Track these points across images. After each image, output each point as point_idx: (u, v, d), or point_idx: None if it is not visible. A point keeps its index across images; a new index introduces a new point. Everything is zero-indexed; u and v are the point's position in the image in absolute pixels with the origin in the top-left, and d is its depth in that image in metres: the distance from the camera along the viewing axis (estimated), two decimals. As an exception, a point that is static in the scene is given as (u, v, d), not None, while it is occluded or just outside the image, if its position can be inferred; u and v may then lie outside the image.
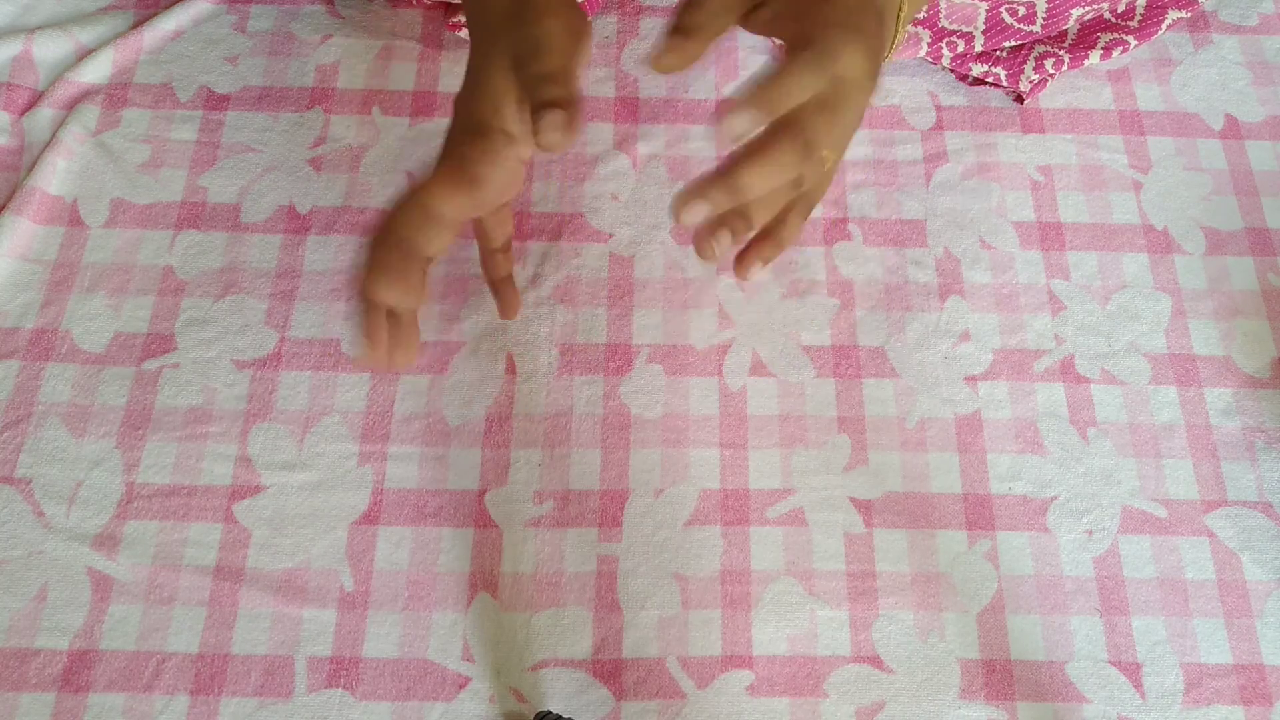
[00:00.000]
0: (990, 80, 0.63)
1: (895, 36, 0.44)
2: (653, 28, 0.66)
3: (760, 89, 0.38)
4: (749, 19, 0.43)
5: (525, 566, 0.51)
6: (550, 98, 0.40)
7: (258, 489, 0.53)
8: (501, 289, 0.55)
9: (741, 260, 0.44)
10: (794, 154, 0.39)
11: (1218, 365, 0.57)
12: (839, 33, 0.39)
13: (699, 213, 0.38)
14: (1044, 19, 0.61)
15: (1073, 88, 0.65)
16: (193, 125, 0.62)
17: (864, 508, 0.53)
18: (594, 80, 0.65)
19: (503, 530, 0.52)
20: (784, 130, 0.39)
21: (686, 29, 0.40)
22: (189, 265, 0.58)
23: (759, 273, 0.45)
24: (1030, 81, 0.62)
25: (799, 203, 0.44)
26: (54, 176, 0.60)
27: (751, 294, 0.58)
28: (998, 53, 0.63)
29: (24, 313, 0.57)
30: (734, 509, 0.53)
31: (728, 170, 0.38)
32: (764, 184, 0.39)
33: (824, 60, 0.38)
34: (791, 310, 0.58)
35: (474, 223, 0.52)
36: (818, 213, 0.60)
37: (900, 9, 0.45)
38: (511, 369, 0.56)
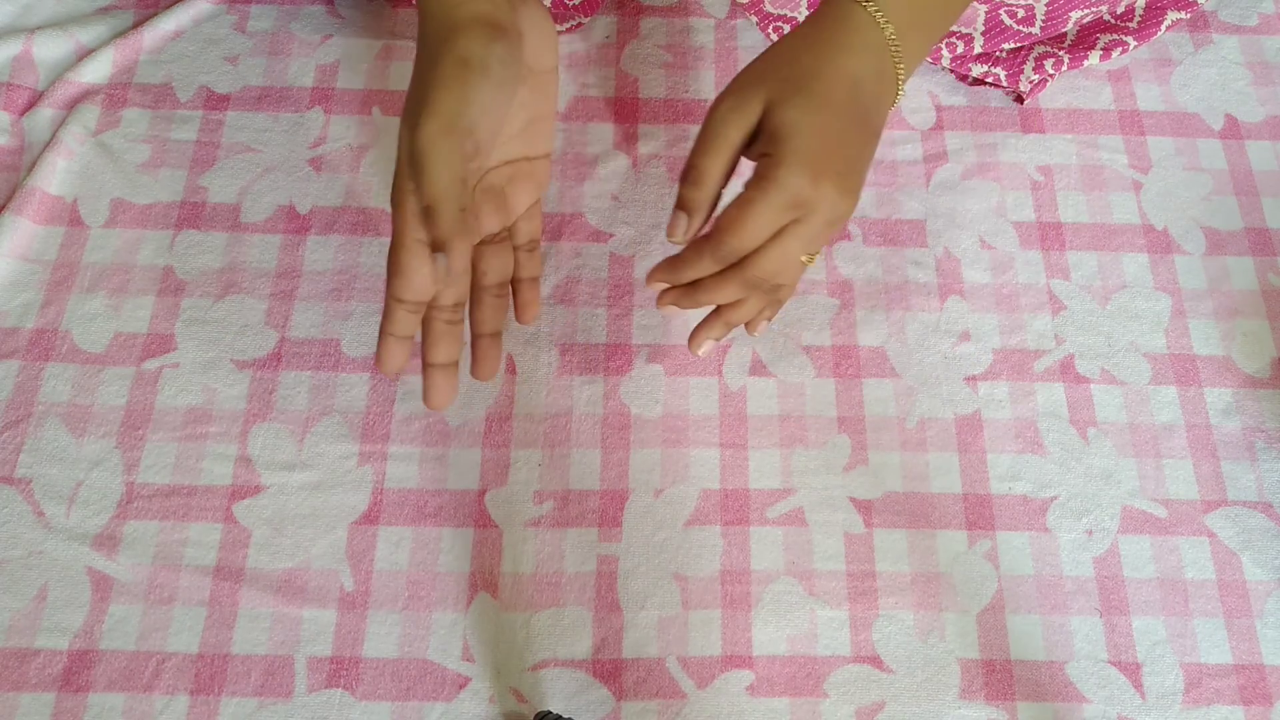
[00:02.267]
0: (990, 80, 0.63)
1: (895, 100, 0.47)
2: (653, 28, 0.66)
3: (718, 242, 0.44)
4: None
5: (525, 566, 0.51)
6: (434, 237, 0.40)
7: (258, 489, 0.53)
8: (521, 290, 0.52)
9: (693, 337, 0.49)
10: (751, 291, 0.46)
11: (1218, 365, 0.57)
12: (798, 171, 0.43)
13: (673, 314, 0.47)
14: (1043, 21, 0.61)
15: (1073, 88, 0.65)
16: (193, 125, 0.63)
17: (864, 508, 0.53)
18: (594, 80, 0.65)
19: (503, 530, 0.52)
20: (745, 276, 0.45)
21: (691, 208, 0.46)
22: (189, 265, 0.58)
23: (708, 349, 0.50)
24: (1030, 82, 0.62)
25: (770, 302, 0.49)
26: (54, 176, 0.60)
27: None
28: (997, 53, 0.63)
29: (24, 313, 0.57)
30: (734, 509, 0.53)
31: (694, 287, 0.46)
32: (723, 298, 0.47)
33: (777, 201, 0.43)
34: (791, 310, 0.58)
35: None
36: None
37: (899, 83, 0.46)
38: (511, 369, 0.56)
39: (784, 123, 0.43)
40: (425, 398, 0.46)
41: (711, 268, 0.46)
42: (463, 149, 0.40)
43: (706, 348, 0.50)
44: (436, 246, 0.40)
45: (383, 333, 0.44)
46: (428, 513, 0.53)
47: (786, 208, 0.43)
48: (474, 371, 0.49)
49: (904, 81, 0.46)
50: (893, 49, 0.45)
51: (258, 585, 0.51)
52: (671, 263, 0.47)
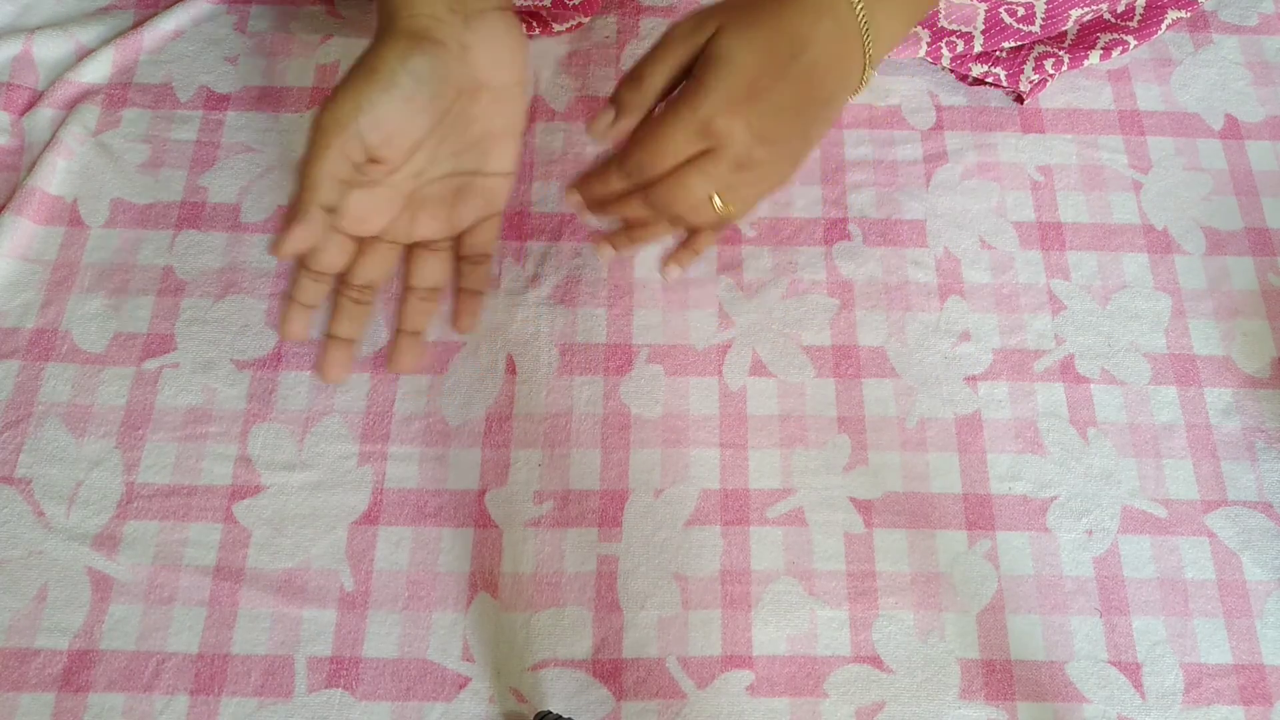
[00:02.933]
0: (990, 80, 0.63)
1: (863, 79, 0.47)
2: (653, 28, 0.66)
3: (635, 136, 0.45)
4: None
5: (525, 566, 0.51)
6: (288, 216, 0.43)
7: (258, 489, 0.53)
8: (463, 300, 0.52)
9: (601, 246, 0.50)
10: (657, 216, 0.47)
11: (1218, 365, 0.57)
12: (714, 99, 0.43)
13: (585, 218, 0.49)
14: (1043, 20, 0.61)
15: (1073, 88, 0.65)
16: (193, 125, 0.63)
17: (864, 508, 0.53)
18: (594, 80, 0.65)
19: (503, 530, 0.52)
20: (650, 198, 0.46)
21: (622, 106, 0.45)
22: (189, 265, 0.58)
23: (675, 274, 0.51)
24: (1030, 81, 0.62)
25: (686, 246, 0.51)
26: (54, 176, 0.60)
27: (751, 293, 0.58)
28: (997, 53, 0.63)
29: (24, 313, 0.57)
30: (734, 509, 0.53)
31: (603, 198, 0.48)
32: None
33: (687, 119, 0.43)
34: (791, 310, 0.58)
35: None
36: (818, 212, 0.60)
37: (864, 54, 0.46)
38: (511, 369, 0.56)
39: (719, 49, 0.43)
40: (318, 367, 0.48)
41: (619, 183, 0.46)
42: (345, 150, 0.42)
43: (674, 273, 0.51)
44: (285, 224, 0.42)
45: (287, 298, 0.46)
46: (428, 513, 0.53)
47: (696, 134, 0.43)
48: (389, 362, 0.50)
49: (873, 55, 0.46)
50: (860, 19, 0.45)
51: (258, 585, 0.51)
52: (586, 174, 0.47)
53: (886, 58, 0.60)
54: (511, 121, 0.47)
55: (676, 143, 0.44)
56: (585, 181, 0.47)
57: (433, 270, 0.49)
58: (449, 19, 0.43)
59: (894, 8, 0.46)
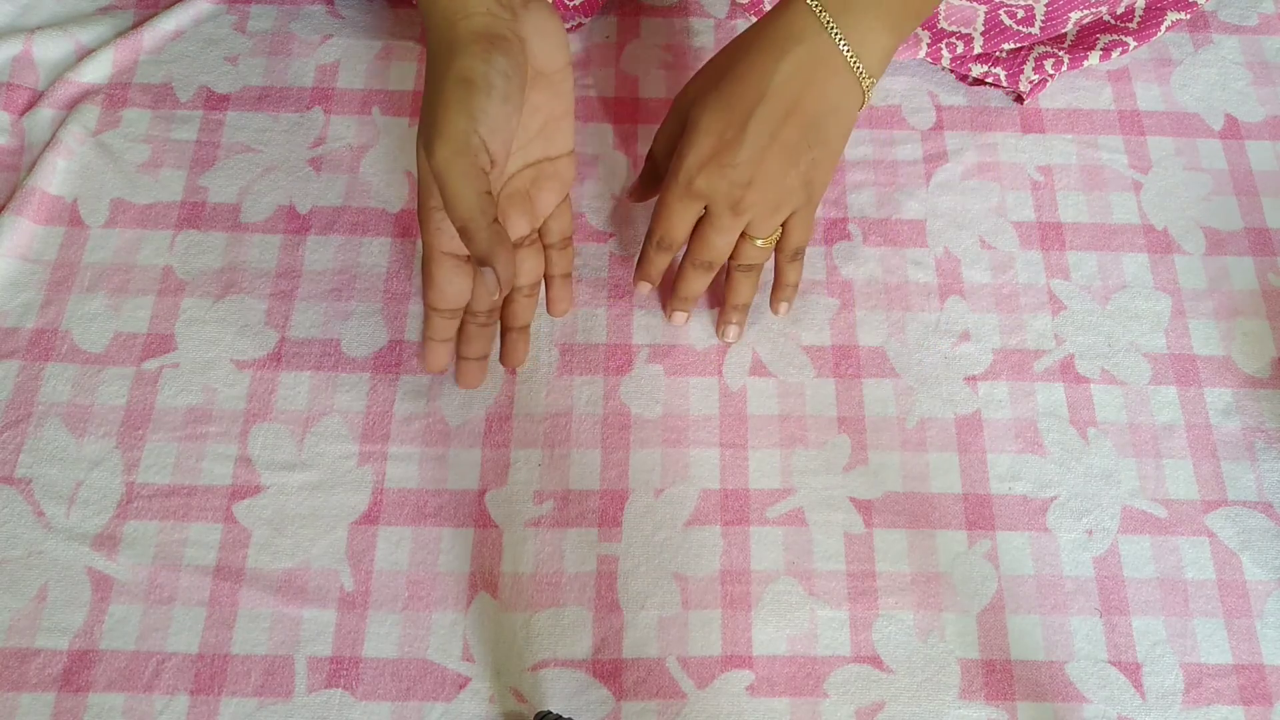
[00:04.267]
0: (990, 80, 0.63)
1: (864, 90, 0.50)
2: (653, 28, 0.66)
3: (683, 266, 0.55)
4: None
5: (525, 566, 0.51)
6: (475, 255, 0.43)
7: (258, 489, 0.53)
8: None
9: (718, 327, 0.57)
10: (709, 274, 0.55)
11: (1218, 365, 0.57)
12: (689, 166, 0.51)
13: (681, 322, 0.57)
14: (1043, 21, 0.61)
15: (1073, 88, 0.65)
16: (193, 125, 0.63)
17: (864, 508, 0.53)
18: (594, 80, 0.65)
19: (503, 530, 0.52)
20: (694, 261, 0.54)
21: (641, 182, 0.56)
22: (189, 265, 0.58)
23: (734, 334, 0.56)
24: (1030, 82, 0.62)
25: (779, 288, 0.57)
26: (54, 176, 0.60)
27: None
28: (997, 54, 0.63)
29: (24, 313, 0.57)
30: (734, 509, 0.53)
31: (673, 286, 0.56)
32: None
33: (676, 192, 0.51)
34: (791, 310, 0.58)
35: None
36: (818, 212, 0.60)
37: (855, 72, 0.49)
38: (511, 369, 0.56)
39: (690, 120, 0.50)
40: (457, 379, 0.53)
41: (663, 259, 0.54)
42: (478, 166, 0.42)
43: (731, 334, 0.57)
44: (482, 262, 0.42)
45: (425, 338, 0.50)
46: (428, 513, 0.53)
47: (688, 198, 0.51)
48: (503, 360, 0.55)
49: (865, 67, 0.49)
50: (831, 31, 0.48)
51: (258, 585, 0.51)
52: (640, 265, 0.55)
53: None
54: (567, 103, 0.48)
55: (676, 211, 0.52)
56: (642, 271, 0.55)
57: (531, 266, 0.52)
58: (502, 14, 0.43)
59: (875, 20, 0.49)
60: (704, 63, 0.53)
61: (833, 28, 0.48)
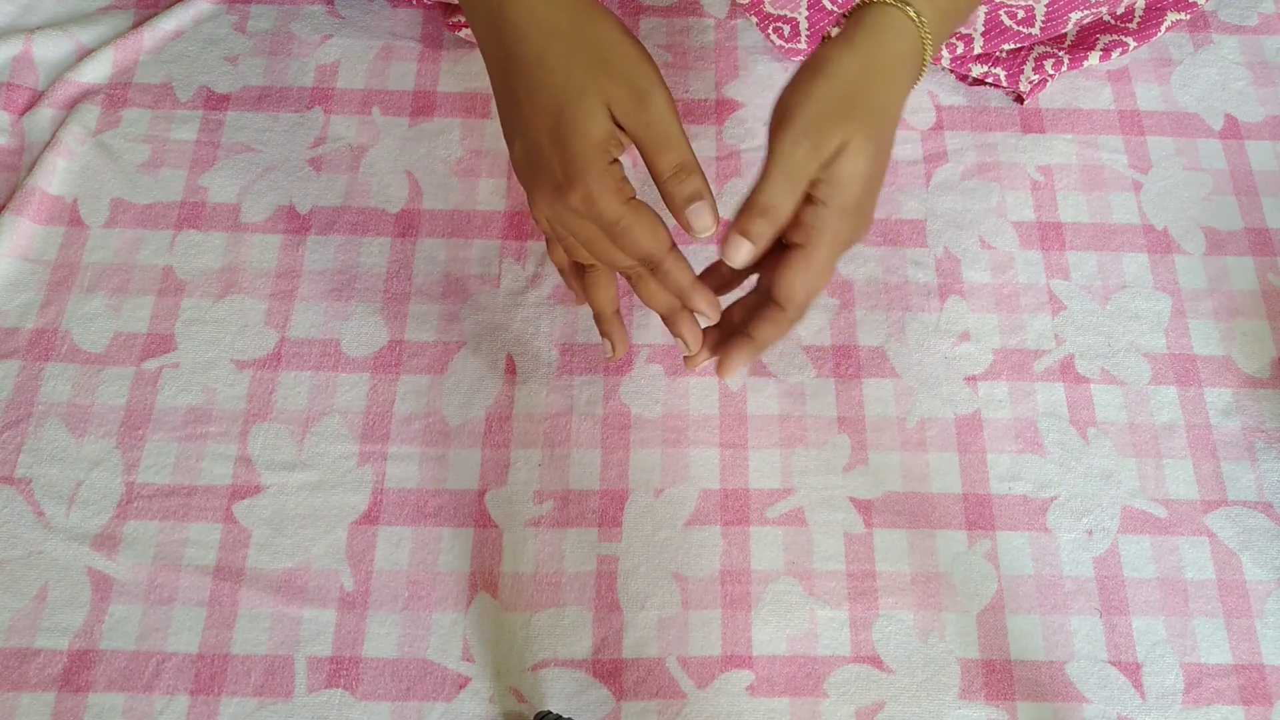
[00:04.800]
0: (990, 80, 0.63)
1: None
2: (653, 28, 0.66)
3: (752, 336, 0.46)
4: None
5: (525, 566, 0.51)
6: (690, 193, 0.43)
7: (258, 489, 0.53)
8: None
9: (724, 365, 0.47)
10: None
11: (1218, 365, 0.57)
12: (850, 222, 0.43)
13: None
14: (1043, 22, 0.61)
15: (1073, 88, 0.65)
16: (193, 125, 0.63)
17: (864, 508, 0.53)
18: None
19: (503, 530, 0.52)
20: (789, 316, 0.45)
21: (755, 239, 0.43)
22: (189, 265, 0.58)
23: (739, 372, 0.52)
24: (1030, 82, 0.62)
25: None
26: (54, 176, 0.60)
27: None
28: (997, 54, 0.63)
29: (24, 313, 0.57)
30: (734, 509, 0.53)
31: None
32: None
33: (837, 254, 0.44)
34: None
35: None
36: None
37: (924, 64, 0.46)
38: (511, 369, 0.56)
39: (850, 172, 0.42)
40: (719, 372, 0.47)
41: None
42: (610, 156, 0.43)
43: (737, 368, 0.49)
44: (703, 196, 0.43)
45: (605, 335, 0.49)
46: (428, 513, 0.53)
47: (839, 255, 0.44)
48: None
49: (927, 60, 0.47)
50: (926, 49, 0.45)
51: (258, 585, 0.51)
52: (749, 346, 0.46)
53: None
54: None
55: (828, 274, 0.44)
56: (752, 348, 0.47)
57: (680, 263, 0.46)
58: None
59: (948, 27, 0.47)
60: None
61: (927, 41, 0.45)
